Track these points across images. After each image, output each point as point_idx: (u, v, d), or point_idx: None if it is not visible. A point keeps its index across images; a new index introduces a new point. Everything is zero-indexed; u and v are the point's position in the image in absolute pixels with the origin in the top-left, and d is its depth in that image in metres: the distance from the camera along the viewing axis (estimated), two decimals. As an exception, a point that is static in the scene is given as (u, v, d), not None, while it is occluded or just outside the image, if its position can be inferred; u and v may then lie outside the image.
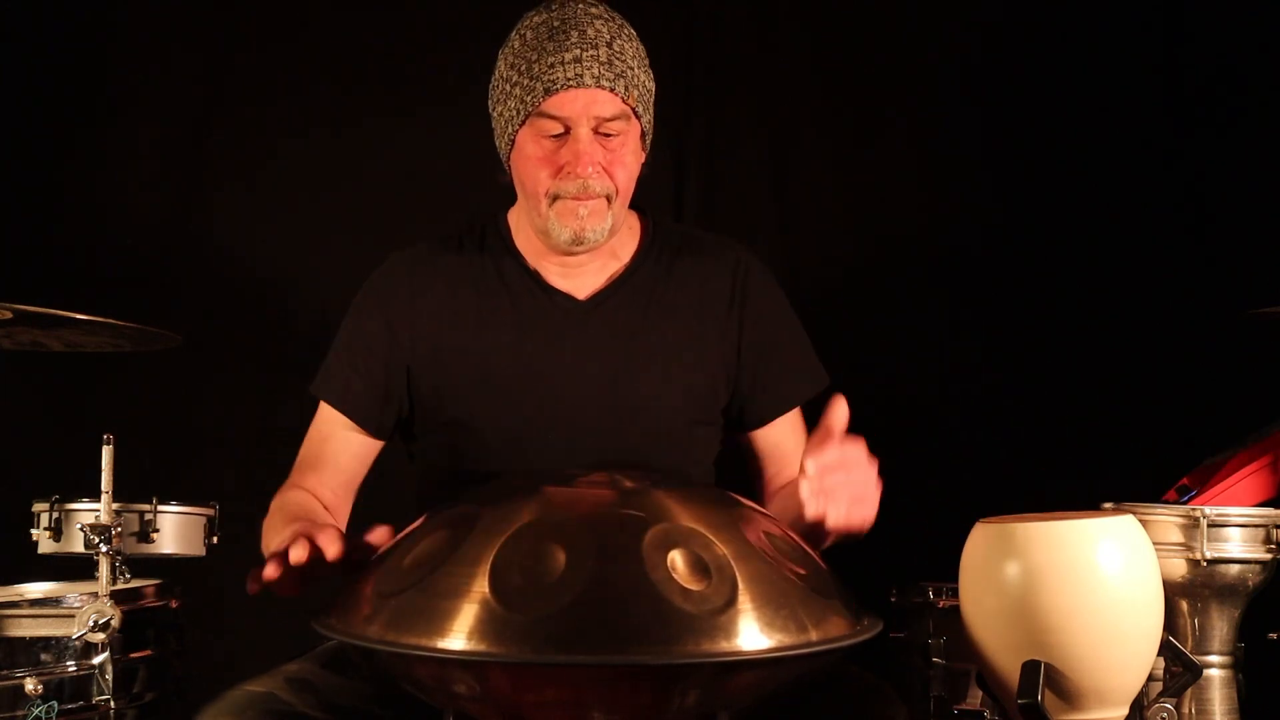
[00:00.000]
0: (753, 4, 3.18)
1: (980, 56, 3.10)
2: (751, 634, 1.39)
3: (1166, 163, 3.05)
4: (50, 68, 3.02)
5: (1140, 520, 1.70)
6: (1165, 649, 1.75)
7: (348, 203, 3.09)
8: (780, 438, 2.09)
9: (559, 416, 1.99)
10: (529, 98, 1.90)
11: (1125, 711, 1.67)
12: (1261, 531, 2.01)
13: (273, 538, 1.82)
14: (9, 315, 2.12)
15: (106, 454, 2.10)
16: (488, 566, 1.40)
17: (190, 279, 3.06)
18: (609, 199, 1.94)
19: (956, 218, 3.10)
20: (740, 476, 2.20)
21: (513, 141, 1.95)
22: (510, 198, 2.14)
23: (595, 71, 1.88)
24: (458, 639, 1.37)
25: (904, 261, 3.10)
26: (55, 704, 1.98)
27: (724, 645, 1.37)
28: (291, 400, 3.01)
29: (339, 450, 2.04)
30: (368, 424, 2.04)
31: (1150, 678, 1.73)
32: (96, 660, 2.03)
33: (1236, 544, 2.00)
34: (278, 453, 3.01)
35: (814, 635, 1.43)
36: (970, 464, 2.92)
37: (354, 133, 3.11)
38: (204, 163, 3.10)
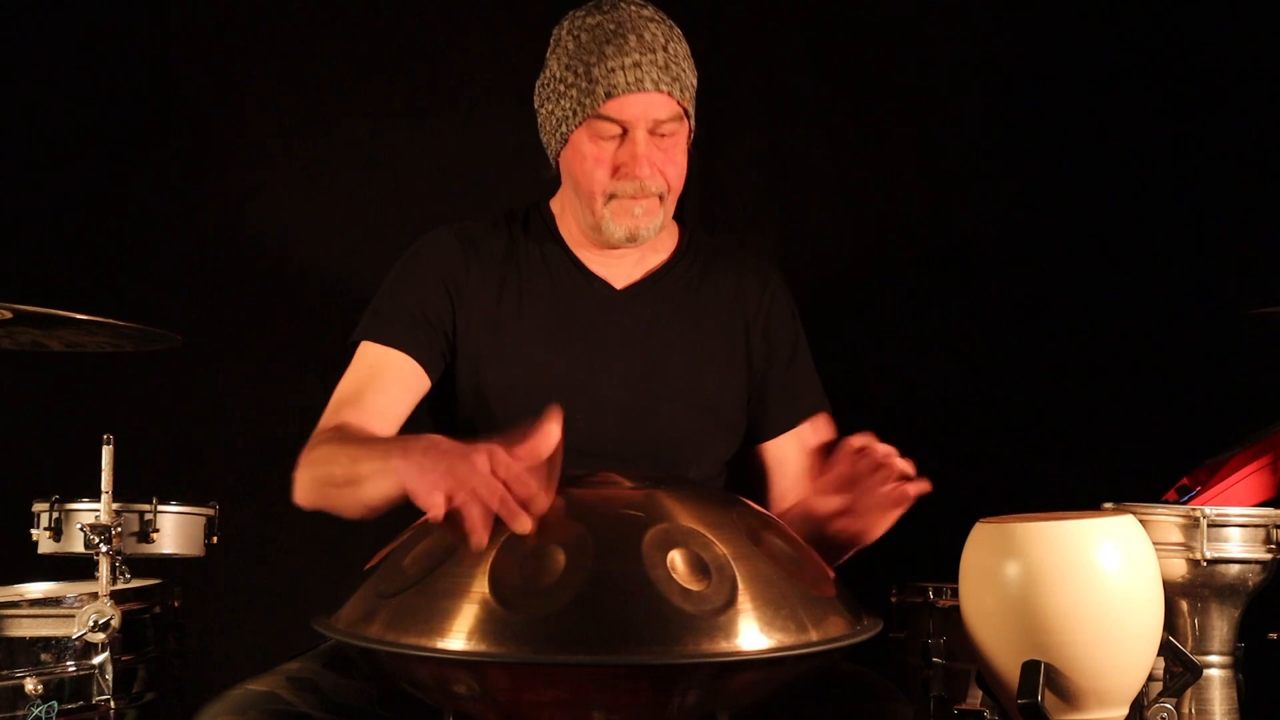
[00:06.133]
0: (753, 3, 3.18)
1: (981, 56, 3.10)
2: (751, 634, 1.39)
3: (1167, 162, 3.04)
4: (51, 69, 3.02)
5: (1140, 520, 1.70)
6: (1165, 649, 1.75)
7: (349, 202, 3.09)
8: (785, 454, 2.13)
9: (585, 399, 2.01)
10: (588, 100, 1.94)
11: (1125, 711, 1.67)
12: (1261, 531, 2.00)
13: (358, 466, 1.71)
14: (9, 315, 2.12)
15: (106, 454, 2.10)
16: (488, 566, 1.40)
17: (190, 279, 3.06)
18: (661, 197, 2.00)
19: (956, 217, 3.10)
20: (745, 481, 2.21)
21: (565, 139, 1.99)
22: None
23: (654, 76, 1.93)
24: (458, 639, 1.37)
25: (904, 261, 3.10)
26: (55, 704, 1.98)
27: (724, 645, 1.37)
28: (292, 400, 3.03)
29: (392, 380, 1.98)
30: (427, 362, 2.00)
31: (1150, 678, 1.73)
32: (96, 660, 2.03)
33: (1236, 544, 2.00)
34: (278, 452, 3.03)
35: (814, 635, 1.43)
36: (970, 464, 2.92)
37: (357, 133, 3.10)
38: (205, 162, 3.09)
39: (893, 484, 1.71)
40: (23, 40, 3.02)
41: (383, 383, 1.97)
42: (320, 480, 1.79)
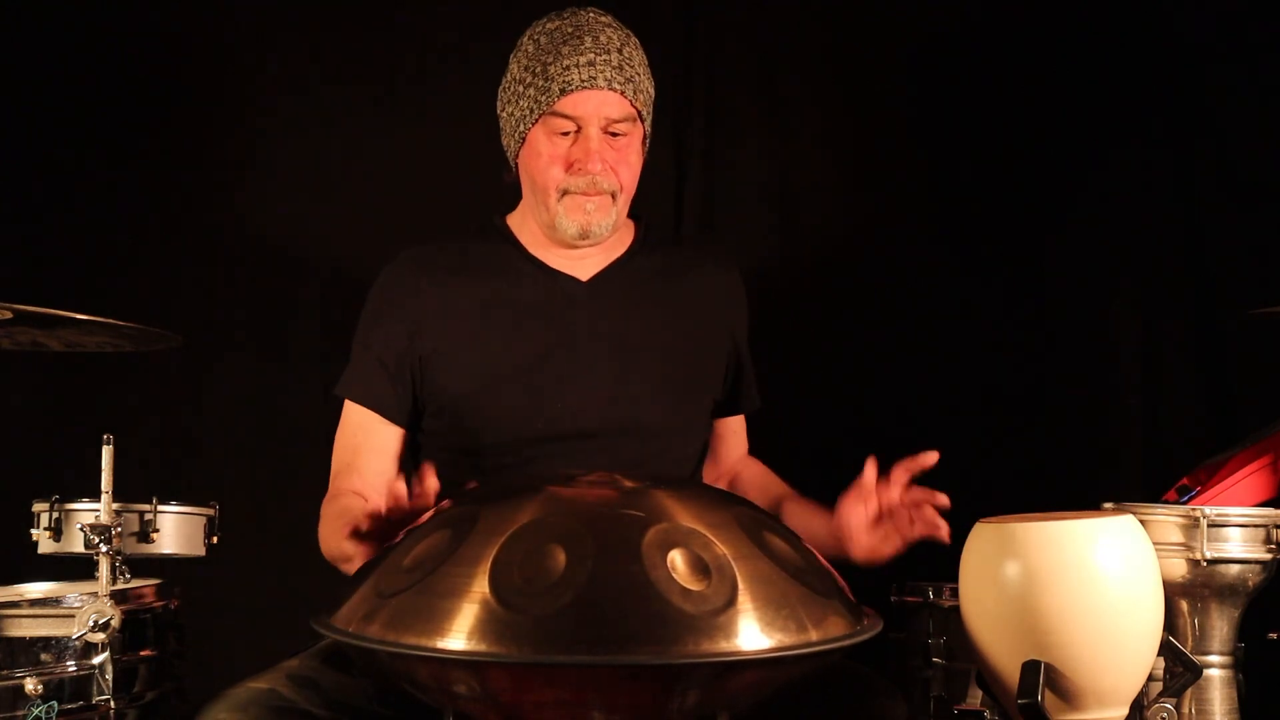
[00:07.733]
0: (753, 4, 3.18)
1: (981, 56, 3.10)
2: (751, 634, 1.39)
3: (1167, 161, 3.04)
4: (50, 68, 3.02)
5: (1140, 520, 1.70)
6: (1165, 649, 1.75)
7: (349, 203, 3.08)
8: (729, 433, 2.28)
9: (565, 392, 2.06)
10: (543, 97, 2.01)
11: (1125, 711, 1.67)
12: (1261, 531, 2.00)
13: (344, 544, 1.88)
14: (9, 315, 2.11)
15: (106, 454, 2.09)
16: (488, 566, 1.41)
17: (190, 279, 3.05)
18: (614, 195, 2.06)
19: (958, 218, 3.10)
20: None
21: (523, 139, 2.07)
22: (507, 202, 2.17)
23: (608, 75, 2.01)
24: (458, 639, 1.37)
25: (904, 261, 3.10)
26: (55, 704, 1.98)
27: (724, 645, 1.37)
28: (292, 400, 3.04)
29: (376, 447, 2.12)
30: (398, 417, 2.12)
31: (1150, 678, 1.73)
32: (96, 660, 2.02)
33: (1236, 544, 2.00)
34: (278, 452, 3.04)
35: (814, 635, 1.43)
36: (970, 464, 2.92)
37: (357, 132, 3.10)
38: (205, 162, 3.09)
39: (926, 525, 1.83)
40: (22, 40, 3.02)
41: (369, 450, 2.11)
42: (329, 551, 2.01)
